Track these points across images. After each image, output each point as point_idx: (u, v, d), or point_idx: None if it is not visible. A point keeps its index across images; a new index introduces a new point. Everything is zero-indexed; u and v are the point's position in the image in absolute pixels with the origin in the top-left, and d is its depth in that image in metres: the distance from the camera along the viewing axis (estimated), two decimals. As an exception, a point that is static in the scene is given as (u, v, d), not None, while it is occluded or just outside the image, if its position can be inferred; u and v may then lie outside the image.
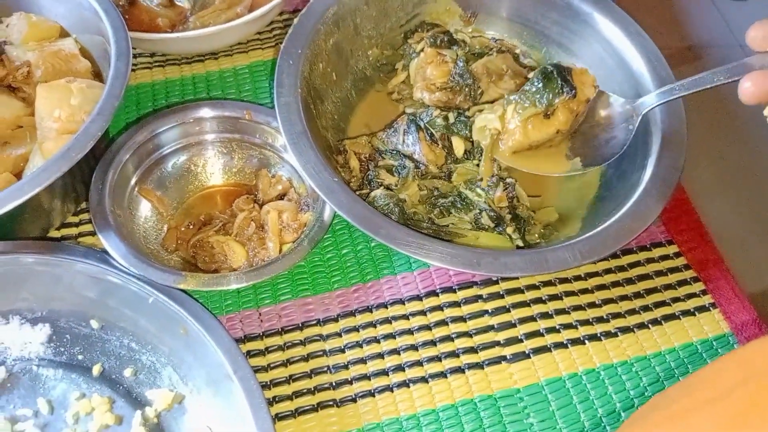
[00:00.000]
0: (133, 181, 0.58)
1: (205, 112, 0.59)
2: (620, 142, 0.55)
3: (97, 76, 0.62)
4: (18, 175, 0.57)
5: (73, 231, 0.59)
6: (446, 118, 0.59)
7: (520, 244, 0.54)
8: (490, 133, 0.56)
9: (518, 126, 0.55)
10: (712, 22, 1.85)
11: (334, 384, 0.51)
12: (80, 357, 0.52)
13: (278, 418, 0.50)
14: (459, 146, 0.58)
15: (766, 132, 1.63)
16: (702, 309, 0.55)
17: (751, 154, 1.59)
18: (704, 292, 0.56)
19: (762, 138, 1.63)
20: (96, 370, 0.51)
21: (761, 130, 1.64)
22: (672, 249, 0.59)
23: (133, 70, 0.56)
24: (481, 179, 0.56)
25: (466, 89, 0.59)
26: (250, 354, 0.53)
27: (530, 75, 0.56)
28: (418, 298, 0.56)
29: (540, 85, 0.54)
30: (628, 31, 0.61)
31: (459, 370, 0.52)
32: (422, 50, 0.61)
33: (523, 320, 0.54)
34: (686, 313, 0.55)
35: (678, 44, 1.79)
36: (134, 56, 0.56)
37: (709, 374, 0.33)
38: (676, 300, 0.56)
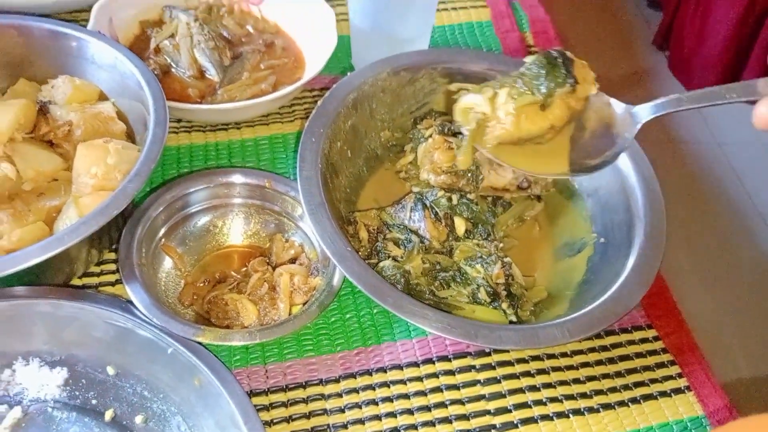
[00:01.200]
0: (158, 237, 0.62)
1: (236, 178, 0.65)
2: (614, 152, 0.51)
3: (130, 137, 0.67)
4: (48, 224, 0.61)
5: (95, 280, 0.62)
6: (450, 199, 0.64)
7: (513, 319, 0.59)
8: (476, 118, 0.50)
9: (510, 114, 0.49)
10: (691, 118, 1.97)
11: (333, 442, 0.55)
12: (94, 401, 0.55)
13: (279, 471, 0.53)
14: (460, 226, 0.63)
15: (738, 221, 1.72)
16: (677, 391, 0.60)
17: (724, 242, 1.68)
18: (680, 375, 0.61)
19: (734, 227, 1.72)
20: (108, 415, 0.54)
21: (734, 219, 1.73)
22: (651, 333, 0.64)
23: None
24: (481, 256, 0.61)
25: (469, 174, 0.65)
26: (255, 408, 0.56)
27: (527, 59, 0.50)
28: (416, 364, 0.59)
29: (543, 71, 0.49)
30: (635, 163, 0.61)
31: (451, 435, 0.55)
32: (430, 136, 0.67)
33: (513, 391, 0.58)
34: (663, 393, 0.59)
35: (655, 136, 1.90)
36: (164, 122, 0.61)
37: None
38: (653, 381, 0.60)
